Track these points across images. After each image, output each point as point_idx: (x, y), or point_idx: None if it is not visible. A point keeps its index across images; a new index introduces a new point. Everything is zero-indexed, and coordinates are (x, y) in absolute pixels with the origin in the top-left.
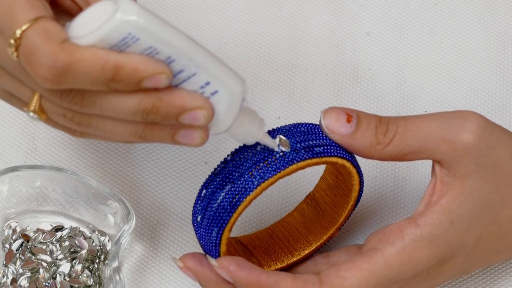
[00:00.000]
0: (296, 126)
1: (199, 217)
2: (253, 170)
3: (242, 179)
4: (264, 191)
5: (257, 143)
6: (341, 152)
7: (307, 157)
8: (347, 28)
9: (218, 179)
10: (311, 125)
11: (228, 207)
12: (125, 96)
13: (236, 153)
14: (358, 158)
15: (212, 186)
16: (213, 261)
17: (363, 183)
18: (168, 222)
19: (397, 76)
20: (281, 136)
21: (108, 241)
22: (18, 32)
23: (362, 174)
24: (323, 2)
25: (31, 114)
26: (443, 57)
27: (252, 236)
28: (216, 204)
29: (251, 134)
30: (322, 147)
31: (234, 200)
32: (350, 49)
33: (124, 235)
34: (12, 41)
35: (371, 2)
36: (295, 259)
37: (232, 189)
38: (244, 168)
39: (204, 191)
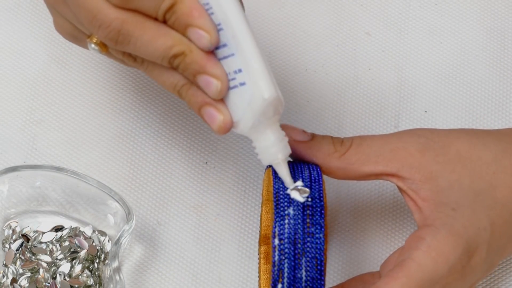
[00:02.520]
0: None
1: None
2: (307, 229)
3: (308, 243)
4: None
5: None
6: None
7: (320, 182)
8: (347, 28)
9: (285, 264)
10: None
11: (318, 274)
12: (162, 36)
13: (276, 234)
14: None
15: (285, 273)
16: None
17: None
18: (168, 222)
19: (397, 76)
20: (299, 186)
21: (108, 241)
22: None
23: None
24: (323, 2)
25: (93, 45)
26: (443, 57)
27: None
28: (305, 282)
29: (269, 152)
30: (313, 170)
31: (317, 265)
32: (350, 49)
33: (124, 235)
34: None
35: (371, 2)
36: None
37: (308, 258)
38: (300, 236)
39: (280, 286)
